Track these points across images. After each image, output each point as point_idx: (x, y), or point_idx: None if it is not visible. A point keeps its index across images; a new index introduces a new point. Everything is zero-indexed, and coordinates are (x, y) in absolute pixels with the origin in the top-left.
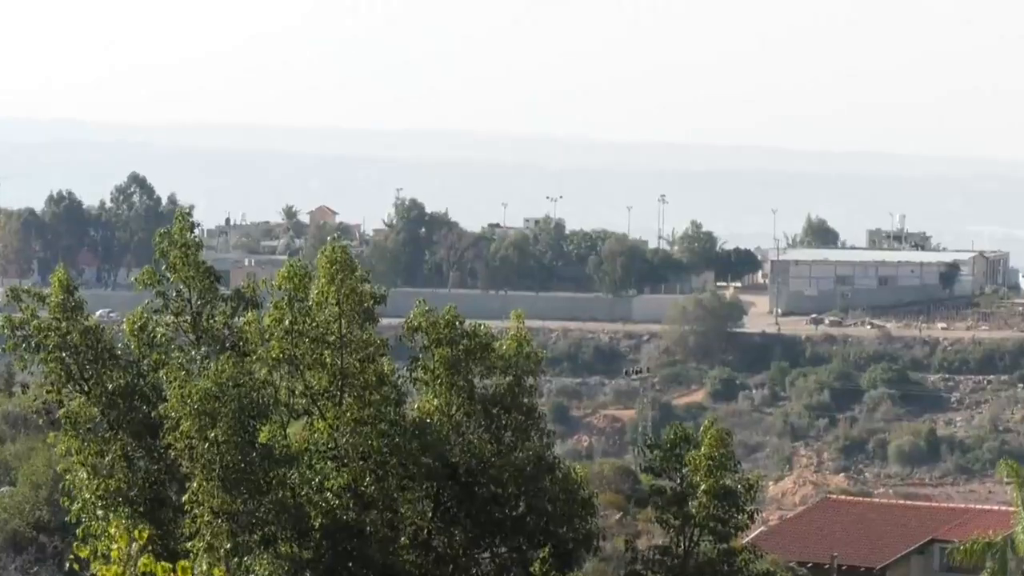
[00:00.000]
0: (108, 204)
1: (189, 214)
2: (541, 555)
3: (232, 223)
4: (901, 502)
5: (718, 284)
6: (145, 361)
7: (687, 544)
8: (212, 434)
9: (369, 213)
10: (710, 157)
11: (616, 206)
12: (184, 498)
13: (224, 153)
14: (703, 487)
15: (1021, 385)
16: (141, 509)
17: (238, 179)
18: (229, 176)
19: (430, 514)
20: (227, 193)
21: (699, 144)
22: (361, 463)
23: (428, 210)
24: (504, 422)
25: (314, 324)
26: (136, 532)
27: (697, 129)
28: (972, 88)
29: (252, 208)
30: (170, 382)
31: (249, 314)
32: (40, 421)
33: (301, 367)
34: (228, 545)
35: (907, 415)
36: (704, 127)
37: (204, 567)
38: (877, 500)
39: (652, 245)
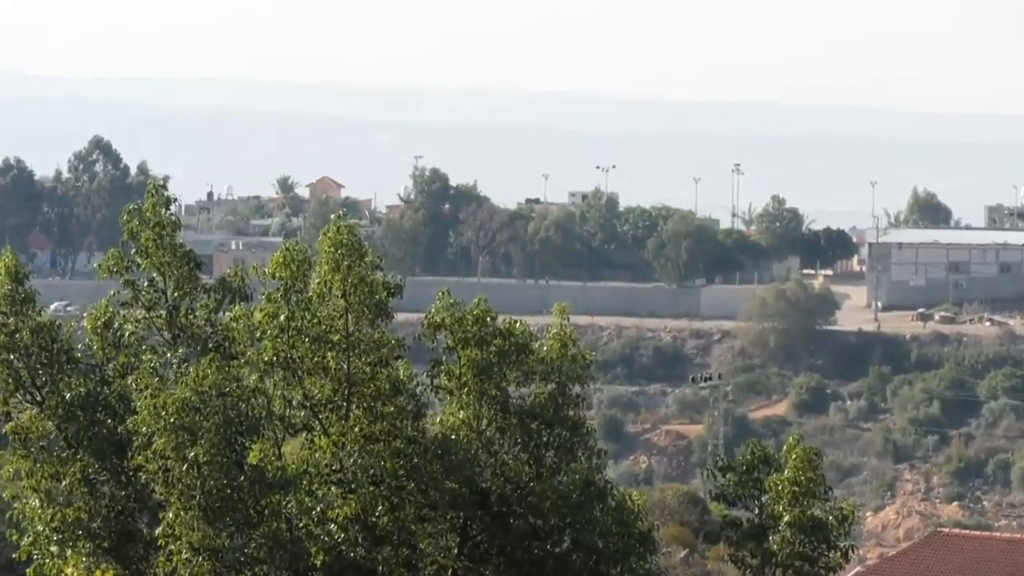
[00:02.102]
0: (65, 175)
1: (164, 186)
2: None
3: (216, 198)
4: None
5: (804, 272)
6: (110, 365)
7: None
8: (191, 453)
9: (382, 186)
10: (796, 120)
11: (681, 177)
12: (157, 531)
13: (205, 114)
14: (787, 518)
15: None
16: (105, 544)
17: (223, 145)
18: (212, 141)
19: (455, 550)
20: (210, 161)
21: (782, 104)
22: (372, 489)
23: (453, 182)
24: (545, 439)
25: (315, 320)
26: (99, 571)
27: (780, 87)
28: None
29: (240, 180)
30: (140, 390)
31: (236, 308)
32: None
33: (299, 372)
34: None
35: None
36: (788, 84)
37: None
38: (998, 534)
39: (724, 225)
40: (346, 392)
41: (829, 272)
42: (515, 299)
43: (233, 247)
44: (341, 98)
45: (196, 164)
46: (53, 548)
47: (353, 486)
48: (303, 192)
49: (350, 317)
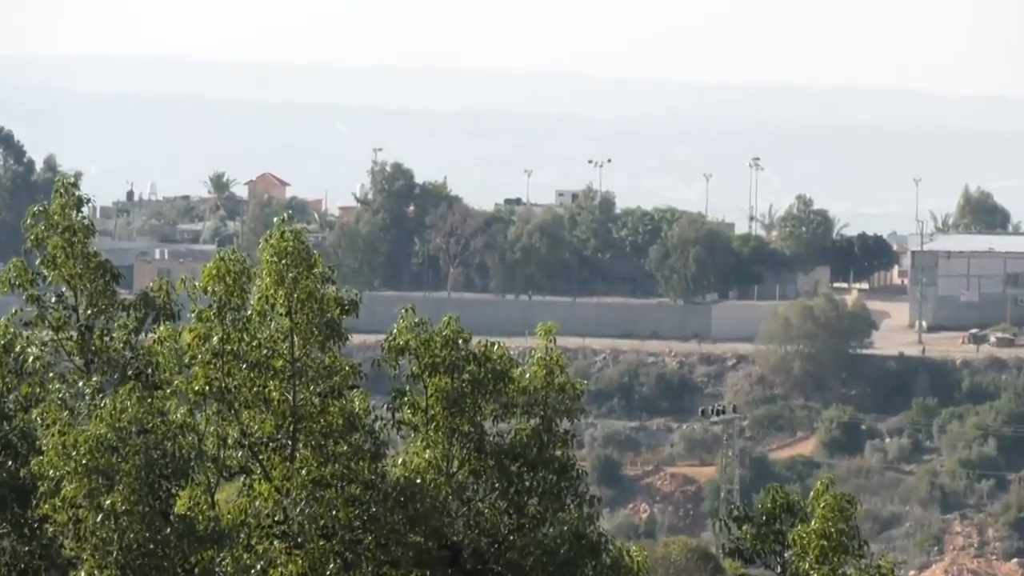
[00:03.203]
0: None
1: (75, 184)
2: None
3: (137, 198)
4: None
5: (835, 285)
6: (11, 396)
7: None
8: (107, 501)
9: (334, 184)
10: (825, 106)
11: (689, 174)
12: None
13: (126, 99)
14: None
15: None
16: None
17: (146, 135)
18: (133, 131)
19: None
20: (130, 155)
21: (809, 88)
22: (322, 543)
23: (419, 179)
24: (527, 484)
25: (255, 343)
26: None
27: (806, 68)
28: None
29: (166, 177)
30: (47, 427)
31: (161, 329)
32: None
33: (236, 405)
34: None
35: None
36: (816, 65)
37: None
38: None
39: (741, 230)
40: (291, 428)
41: (865, 286)
42: (492, 318)
43: (157, 256)
44: (288, 81)
45: (115, 158)
46: None
47: (300, 540)
48: (241, 191)
49: (296, 339)
